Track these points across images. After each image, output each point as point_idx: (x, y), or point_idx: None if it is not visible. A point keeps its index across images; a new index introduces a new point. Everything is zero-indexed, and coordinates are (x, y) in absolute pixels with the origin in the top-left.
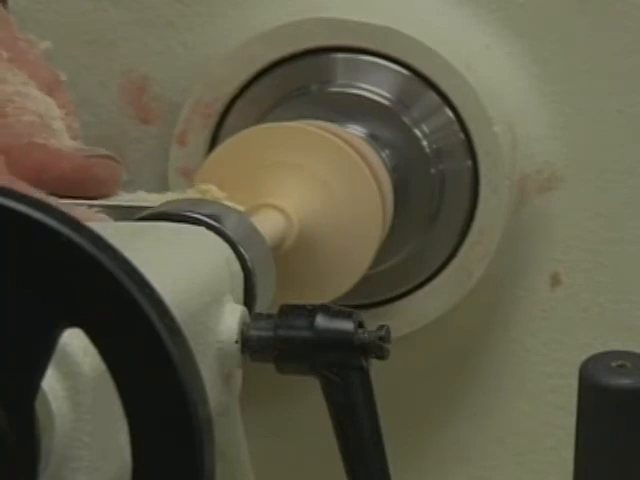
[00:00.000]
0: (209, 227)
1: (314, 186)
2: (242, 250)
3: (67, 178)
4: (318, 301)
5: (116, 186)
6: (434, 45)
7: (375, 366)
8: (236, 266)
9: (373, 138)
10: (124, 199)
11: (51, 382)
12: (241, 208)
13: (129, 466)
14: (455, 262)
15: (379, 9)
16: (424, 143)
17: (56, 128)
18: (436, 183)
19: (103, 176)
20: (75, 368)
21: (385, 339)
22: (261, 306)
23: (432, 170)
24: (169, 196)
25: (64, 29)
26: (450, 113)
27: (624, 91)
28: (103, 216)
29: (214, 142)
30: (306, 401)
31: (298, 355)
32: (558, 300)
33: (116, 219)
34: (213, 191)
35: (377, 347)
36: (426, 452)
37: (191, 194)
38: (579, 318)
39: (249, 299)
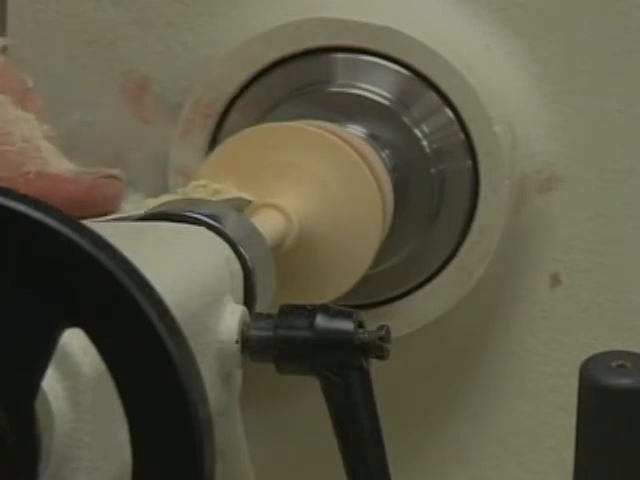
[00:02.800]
0: (209, 227)
1: (314, 186)
2: (242, 250)
3: (74, 201)
4: (318, 301)
5: (120, 202)
6: (434, 45)
7: (375, 366)
8: (236, 266)
9: (373, 138)
10: (129, 211)
11: (51, 382)
12: (249, 197)
13: (129, 466)
14: (455, 262)
15: (379, 9)
16: (424, 143)
17: (44, 148)
18: (436, 183)
19: (108, 195)
20: (75, 368)
21: (385, 339)
22: (261, 306)
23: (432, 170)
24: (167, 198)
25: (64, 29)
26: (450, 113)
27: (624, 91)
28: None
29: (214, 142)
30: (306, 401)
31: (298, 355)
32: (558, 300)
33: None
34: (210, 185)
35: (377, 347)
36: (426, 452)
37: (189, 192)
38: (579, 318)
39: (249, 299)
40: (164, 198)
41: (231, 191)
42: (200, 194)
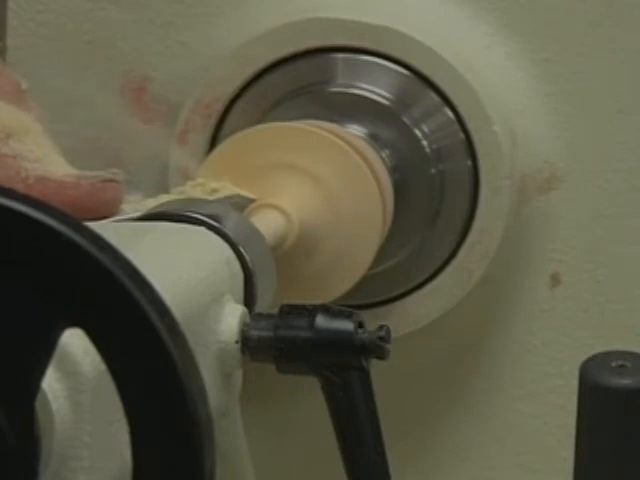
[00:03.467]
0: (209, 227)
1: (314, 186)
2: (242, 250)
3: (74, 206)
4: (318, 301)
5: (119, 205)
6: (434, 45)
7: (375, 366)
8: (236, 266)
9: (373, 138)
10: (128, 213)
11: (51, 382)
12: (250, 195)
13: (129, 466)
14: (455, 262)
15: (379, 9)
16: (424, 143)
17: (41, 152)
18: (436, 183)
19: (108, 199)
20: (75, 368)
21: (385, 339)
22: (261, 306)
23: (432, 170)
24: (166, 197)
25: (64, 29)
26: (450, 113)
27: (624, 91)
28: None
29: (214, 142)
30: (306, 401)
31: (298, 355)
32: (558, 300)
33: None
34: (208, 184)
35: (377, 347)
36: (426, 452)
37: (187, 191)
38: (579, 318)
39: (249, 299)
40: (164, 198)
41: (229, 189)
42: (198, 193)
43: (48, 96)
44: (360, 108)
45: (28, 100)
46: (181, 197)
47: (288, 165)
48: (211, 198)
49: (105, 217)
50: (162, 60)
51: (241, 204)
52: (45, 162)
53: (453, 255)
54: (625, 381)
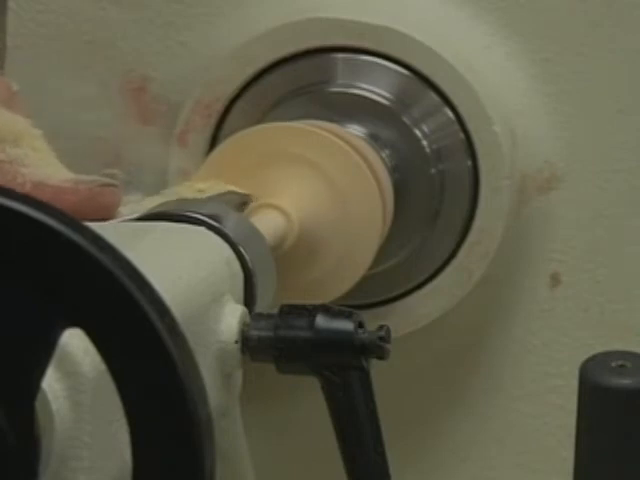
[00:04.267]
0: (209, 227)
1: (314, 186)
2: (242, 250)
3: (73, 211)
4: (318, 301)
5: (118, 208)
6: (434, 45)
7: (375, 366)
8: (236, 266)
9: (373, 138)
10: (127, 215)
11: (51, 382)
12: (242, 191)
13: (129, 466)
14: (455, 262)
15: (379, 9)
16: (424, 143)
17: (36, 156)
18: (436, 183)
19: (107, 203)
20: (75, 368)
21: (385, 339)
22: (261, 306)
23: (432, 170)
24: (159, 199)
25: (64, 29)
26: (450, 113)
27: (624, 91)
28: None
29: (214, 142)
30: (306, 401)
31: (298, 355)
32: (558, 300)
33: None
34: (194, 184)
35: (377, 347)
36: (426, 452)
37: (181, 190)
38: (579, 318)
39: (249, 299)
40: (157, 199)
41: (220, 186)
42: (189, 192)
43: (48, 96)
44: (360, 108)
45: (19, 102)
46: (173, 198)
47: (288, 165)
48: (204, 197)
49: (103, 221)
50: (162, 60)
51: (235, 200)
52: (42, 166)
53: (453, 255)
54: (625, 381)
